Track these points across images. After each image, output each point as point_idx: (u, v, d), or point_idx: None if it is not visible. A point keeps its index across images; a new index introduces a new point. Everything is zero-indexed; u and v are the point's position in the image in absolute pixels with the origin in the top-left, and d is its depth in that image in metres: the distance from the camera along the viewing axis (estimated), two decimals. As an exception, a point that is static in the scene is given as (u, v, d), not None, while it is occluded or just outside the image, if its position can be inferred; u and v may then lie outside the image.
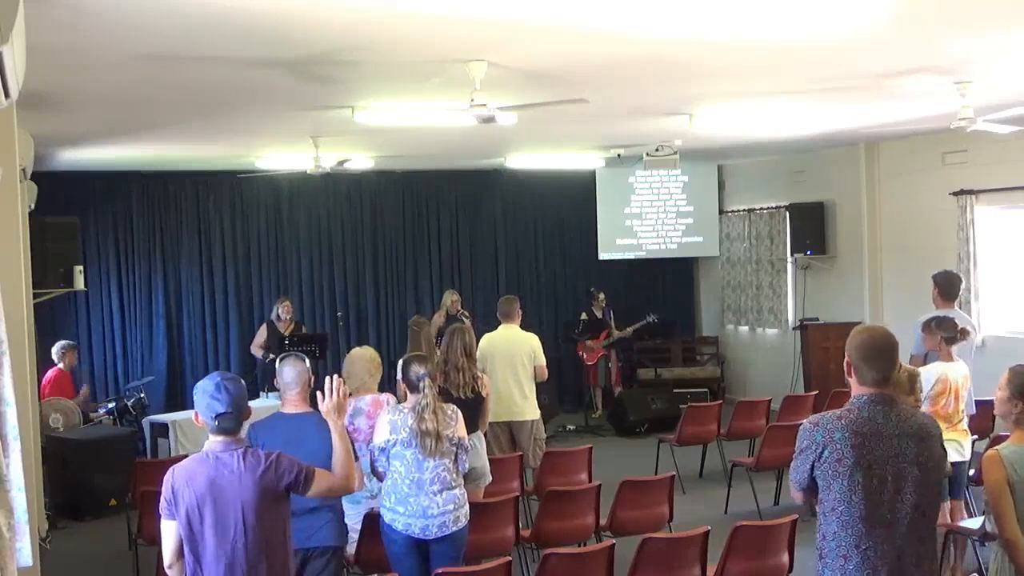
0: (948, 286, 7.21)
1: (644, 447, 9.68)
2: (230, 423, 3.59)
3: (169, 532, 3.62)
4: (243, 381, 3.74)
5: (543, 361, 7.65)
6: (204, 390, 3.59)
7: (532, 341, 7.68)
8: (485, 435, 6.99)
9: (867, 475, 3.19)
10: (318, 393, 4.03)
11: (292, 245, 12.51)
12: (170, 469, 3.65)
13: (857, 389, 3.32)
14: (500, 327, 7.80)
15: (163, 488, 3.61)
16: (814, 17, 4.82)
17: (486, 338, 7.71)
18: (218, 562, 3.52)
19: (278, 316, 10.81)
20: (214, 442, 3.61)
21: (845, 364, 3.35)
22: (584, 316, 12.49)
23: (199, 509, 3.53)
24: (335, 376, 4.02)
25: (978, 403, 6.58)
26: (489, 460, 6.30)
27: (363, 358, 5.68)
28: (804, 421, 3.39)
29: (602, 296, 12.50)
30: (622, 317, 12.60)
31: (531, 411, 7.56)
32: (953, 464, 5.93)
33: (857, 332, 3.39)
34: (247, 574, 3.54)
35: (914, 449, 3.24)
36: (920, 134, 9.97)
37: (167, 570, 3.68)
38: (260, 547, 3.56)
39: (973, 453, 6.27)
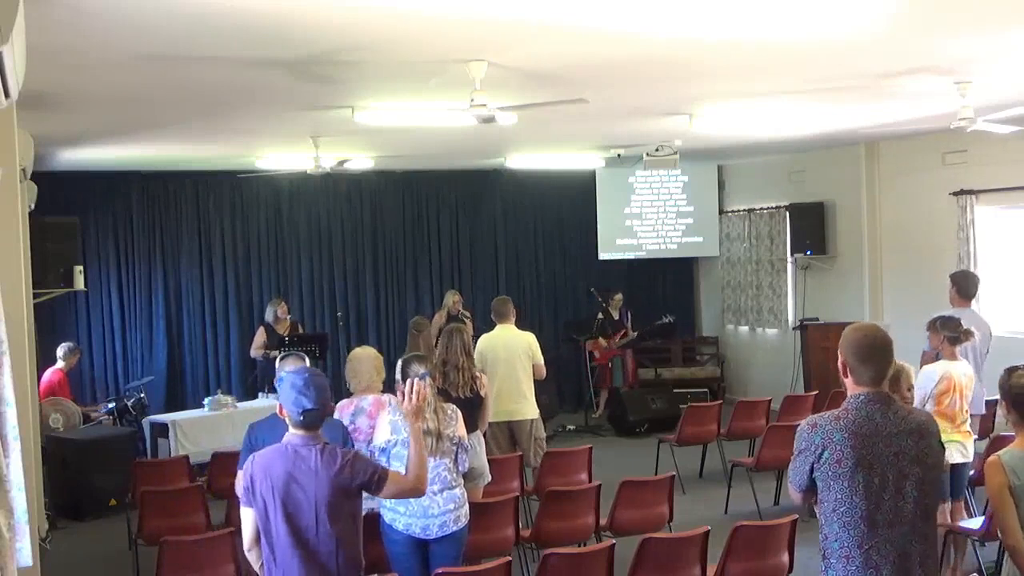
0: (966, 285, 7.21)
1: (644, 447, 9.67)
2: (315, 419, 3.68)
3: (248, 519, 3.73)
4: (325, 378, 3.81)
5: (541, 360, 7.67)
6: (293, 384, 3.65)
7: (529, 340, 7.70)
8: (484, 435, 6.97)
9: (868, 475, 3.18)
10: (399, 393, 4.08)
11: (292, 245, 12.51)
12: (251, 456, 3.77)
13: (853, 388, 3.30)
14: (497, 328, 7.82)
15: (242, 476, 3.74)
16: (814, 17, 4.82)
17: (484, 338, 7.72)
18: (293, 552, 3.60)
19: (275, 316, 10.76)
20: (294, 435, 3.69)
21: (840, 364, 3.33)
22: (600, 316, 12.47)
23: (274, 500, 3.62)
24: (419, 379, 4.06)
25: (987, 403, 6.59)
26: (489, 460, 6.30)
27: (369, 357, 5.68)
28: (801, 422, 3.37)
29: (619, 297, 12.51)
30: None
31: (530, 410, 7.57)
32: (956, 465, 5.93)
33: (850, 331, 3.36)
34: (320, 566, 3.63)
35: (914, 447, 3.23)
36: (920, 134, 9.97)
37: (247, 553, 3.81)
38: (333, 540, 3.65)
39: (975, 453, 6.27)
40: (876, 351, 3.27)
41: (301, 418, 3.65)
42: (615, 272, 13.42)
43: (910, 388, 5.42)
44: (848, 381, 3.32)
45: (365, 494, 3.77)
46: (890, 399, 3.31)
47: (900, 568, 3.19)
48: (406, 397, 3.97)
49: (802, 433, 3.31)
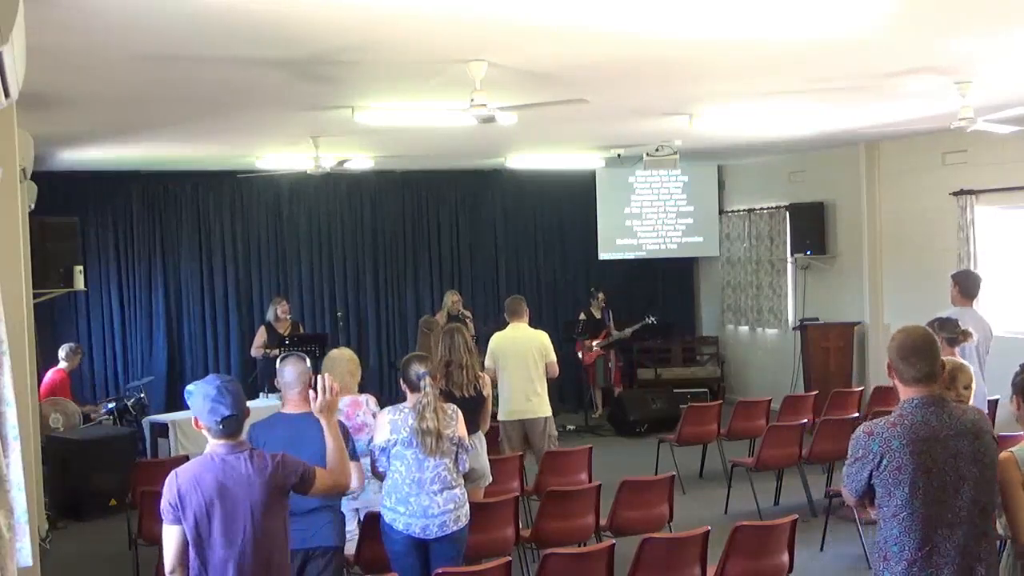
0: (968, 285, 7.21)
1: (644, 447, 9.67)
2: (234, 425, 3.56)
3: (171, 537, 3.55)
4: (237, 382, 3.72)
5: (554, 358, 7.64)
6: (205, 395, 3.52)
7: (542, 338, 7.67)
8: (498, 432, 6.96)
9: (928, 480, 3.20)
10: (311, 392, 4.03)
11: (292, 245, 12.51)
12: (172, 473, 3.58)
13: (905, 392, 3.33)
14: (509, 326, 7.77)
15: (166, 492, 3.54)
16: (814, 17, 4.82)
17: (496, 337, 7.69)
18: (226, 564, 3.50)
19: (276, 316, 10.77)
20: (217, 445, 3.57)
21: (887, 367, 3.37)
22: (583, 316, 12.49)
23: (207, 512, 3.49)
24: (326, 375, 4.02)
25: (989, 403, 6.57)
26: (489, 460, 6.30)
27: (343, 359, 5.65)
28: (857, 429, 3.38)
29: (601, 296, 12.50)
30: (622, 317, 12.59)
31: (544, 408, 7.55)
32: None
33: (895, 334, 3.41)
34: (255, 571, 3.54)
35: (970, 447, 3.26)
36: (920, 134, 9.97)
37: (169, 575, 3.63)
38: (266, 548, 3.56)
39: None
40: (917, 350, 3.30)
41: (220, 426, 3.52)
42: (615, 272, 13.42)
43: (967, 386, 5.43)
44: (897, 384, 3.35)
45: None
46: (943, 401, 3.34)
47: (963, 568, 3.22)
48: (318, 393, 3.91)
49: (858, 440, 3.33)
